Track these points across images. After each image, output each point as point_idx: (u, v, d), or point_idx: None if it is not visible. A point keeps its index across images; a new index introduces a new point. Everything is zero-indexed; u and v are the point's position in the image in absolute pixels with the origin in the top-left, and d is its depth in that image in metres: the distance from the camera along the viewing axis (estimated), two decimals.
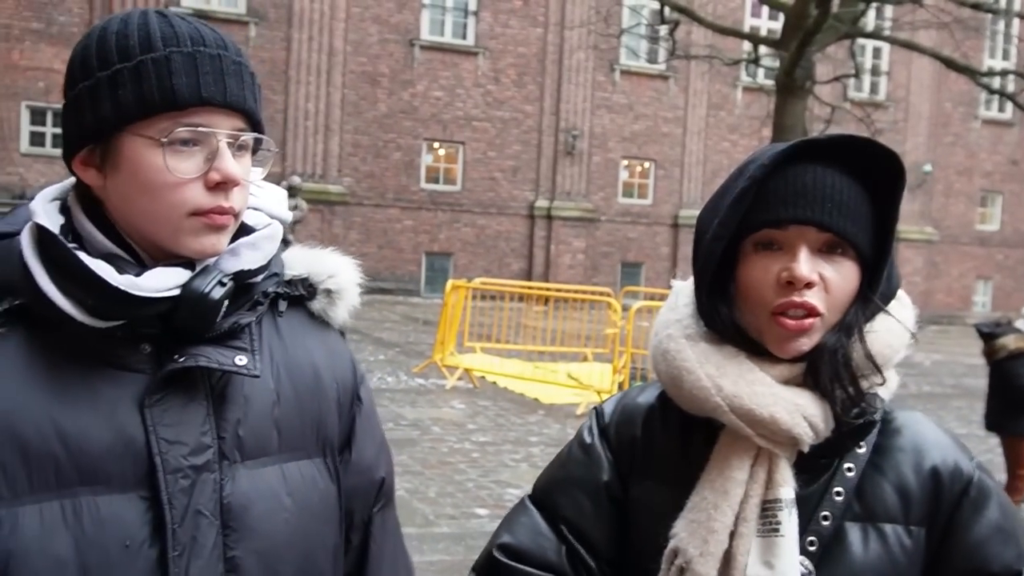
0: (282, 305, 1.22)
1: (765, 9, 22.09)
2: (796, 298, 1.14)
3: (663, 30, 16.81)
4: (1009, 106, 24.72)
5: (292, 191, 17.57)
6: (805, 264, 1.14)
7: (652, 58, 21.24)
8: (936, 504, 1.18)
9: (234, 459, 1.12)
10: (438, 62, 21.93)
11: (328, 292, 1.27)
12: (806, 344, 1.15)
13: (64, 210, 1.11)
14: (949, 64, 15.17)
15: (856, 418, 1.16)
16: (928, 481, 1.19)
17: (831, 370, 1.14)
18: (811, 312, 1.14)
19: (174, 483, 1.06)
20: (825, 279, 1.15)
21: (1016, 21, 22.35)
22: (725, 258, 1.19)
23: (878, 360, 1.17)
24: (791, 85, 13.40)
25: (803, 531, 1.16)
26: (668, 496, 1.20)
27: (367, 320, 16.07)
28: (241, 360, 1.11)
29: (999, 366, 5.84)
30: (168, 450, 1.07)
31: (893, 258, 1.22)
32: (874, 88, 26.03)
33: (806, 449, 1.15)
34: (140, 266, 1.09)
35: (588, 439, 1.31)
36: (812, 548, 1.16)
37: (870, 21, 19.17)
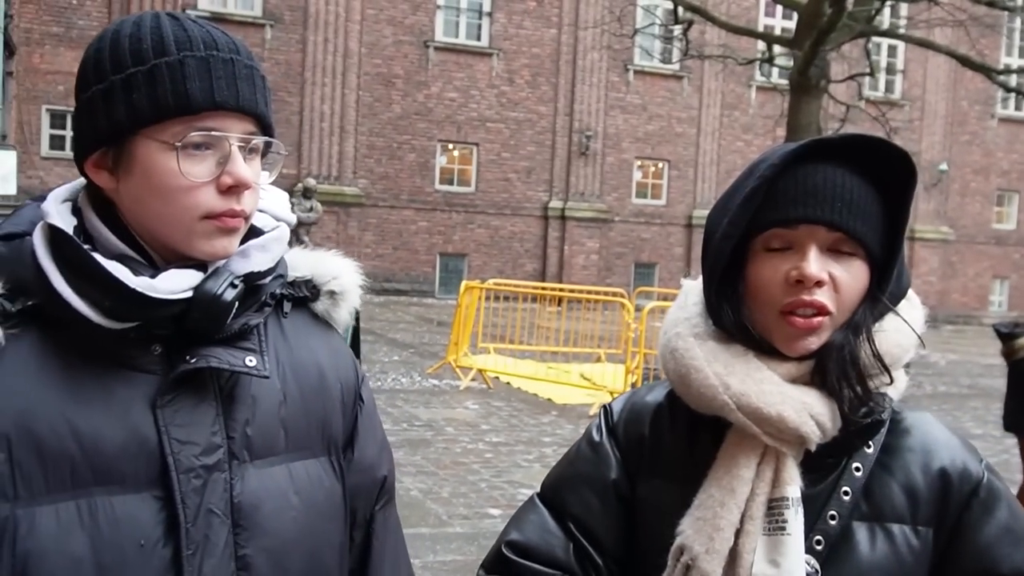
0: (287, 306, 1.24)
1: (779, 8, 22.01)
2: (805, 297, 1.14)
3: (677, 30, 16.78)
4: None
5: (307, 193, 17.65)
6: (814, 263, 1.14)
7: (666, 58, 21.19)
8: (944, 505, 1.18)
9: (243, 459, 1.13)
10: (452, 63, 21.97)
11: (332, 293, 1.28)
12: (815, 343, 1.16)
13: (75, 211, 1.12)
14: (965, 62, 15.08)
15: (864, 417, 1.16)
16: (936, 481, 1.19)
17: (839, 369, 1.14)
18: (820, 311, 1.14)
19: (187, 483, 1.07)
20: (834, 278, 1.15)
21: None
22: (735, 257, 1.19)
23: (886, 360, 1.17)
24: (805, 84, 13.34)
25: (810, 530, 1.16)
26: (675, 494, 1.21)
27: (382, 321, 16.12)
28: (251, 361, 1.12)
29: (1017, 366, 5.80)
30: (180, 450, 1.08)
31: (903, 258, 1.22)
32: (889, 87, 25.90)
33: (813, 448, 1.16)
34: (152, 268, 1.10)
35: (596, 437, 1.31)
36: (819, 547, 1.16)
37: (885, 19, 19.09)
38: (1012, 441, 6.25)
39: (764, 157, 1.19)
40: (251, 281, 1.14)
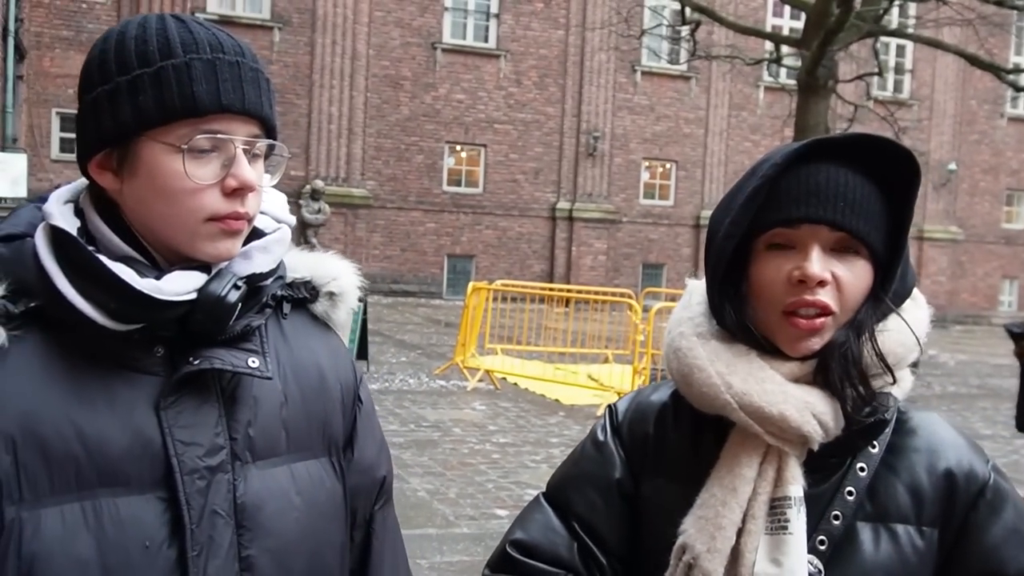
0: (286, 307, 1.24)
1: (787, 8, 21.98)
2: (808, 297, 1.14)
3: (684, 30, 16.75)
4: None
5: (315, 194, 17.69)
6: (817, 263, 1.14)
7: (673, 59, 21.19)
8: (950, 506, 1.18)
9: (246, 460, 1.13)
10: (460, 65, 21.98)
11: (331, 295, 1.28)
12: (818, 343, 1.15)
13: (77, 212, 1.12)
14: (974, 61, 15.02)
15: (867, 417, 1.16)
16: (942, 482, 1.18)
17: (840, 368, 1.14)
18: (823, 311, 1.14)
19: (191, 484, 1.08)
20: (837, 278, 1.15)
21: None
22: (738, 257, 1.19)
23: (890, 359, 1.16)
24: (813, 84, 13.31)
25: (814, 530, 1.16)
26: (679, 493, 1.21)
27: (389, 322, 16.13)
28: (254, 362, 1.13)
29: None
30: (184, 451, 1.08)
31: (908, 257, 1.21)
32: (898, 86, 25.82)
33: (816, 447, 1.15)
34: (156, 269, 1.10)
35: (601, 437, 1.32)
36: (822, 547, 1.16)
37: (893, 19, 19.02)
38: (1022, 442, 6.23)
39: (767, 157, 1.19)
40: (253, 282, 1.14)
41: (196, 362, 1.09)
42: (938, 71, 25.79)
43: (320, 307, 1.28)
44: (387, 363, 11.53)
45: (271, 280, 1.18)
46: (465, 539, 5.36)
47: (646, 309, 10.94)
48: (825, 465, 1.18)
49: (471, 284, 11.91)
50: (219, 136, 1.08)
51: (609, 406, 1.37)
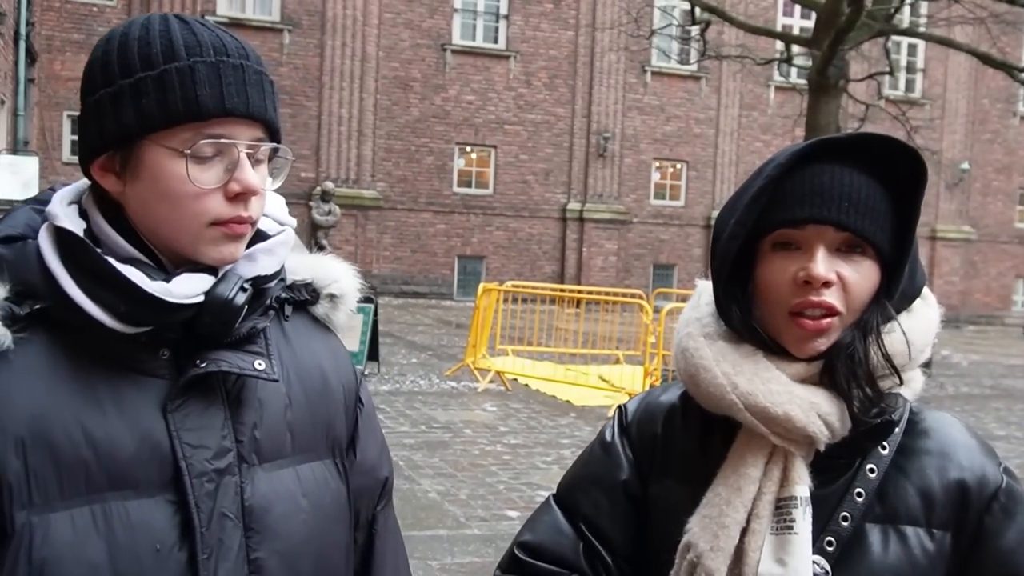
0: (288, 309, 1.24)
1: (797, 8, 21.91)
2: (814, 297, 1.13)
3: (694, 31, 16.72)
4: None
5: (325, 196, 17.73)
6: (822, 263, 1.13)
7: (683, 59, 21.14)
8: (963, 510, 1.17)
9: (252, 462, 1.13)
10: (470, 66, 22.01)
11: (332, 297, 1.28)
12: (824, 344, 1.15)
13: (81, 214, 1.11)
14: (986, 60, 14.94)
15: (874, 418, 1.15)
16: (953, 485, 1.17)
17: (846, 369, 1.14)
18: (829, 311, 1.14)
19: (199, 487, 1.07)
20: (843, 278, 1.14)
21: None
22: (744, 258, 1.19)
23: (897, 360, 1.16)
24: (824, 84, 13.26)
25: (822, 531, 1.15)
26: (686, 494, 1.21)
27: (400, 324, 16.15)
28: (260, 364, 1.12)
29: None
30: (192, 454, 1.08)
31: (917, 256, 1.21)
32: (910, 85, 25.72)
33: (822, 447, 1.15)
34: (161, 271, 1.10)
35: (608, 438, 1.32)
36: (830, 548, 1.15)
37: (905, 18, 18.95)
38: None
39: (772, 158, 1.19)
40: (258, 285, 1.14)
41: (203, 364, 1.09)
42: (950, 70, 25.68)
43: (321, 309, 1.28)
44: (398, 364, 11.54)
45: (274, 282, 1.18)
46: (476, 540, 5.36)
47: (657, 310, 10.92)
48: (834, 466, 1.17)
49: (482, 285, 11.92)
50: (222, 141, 1.07)
51: (619, 407, 1.37)
